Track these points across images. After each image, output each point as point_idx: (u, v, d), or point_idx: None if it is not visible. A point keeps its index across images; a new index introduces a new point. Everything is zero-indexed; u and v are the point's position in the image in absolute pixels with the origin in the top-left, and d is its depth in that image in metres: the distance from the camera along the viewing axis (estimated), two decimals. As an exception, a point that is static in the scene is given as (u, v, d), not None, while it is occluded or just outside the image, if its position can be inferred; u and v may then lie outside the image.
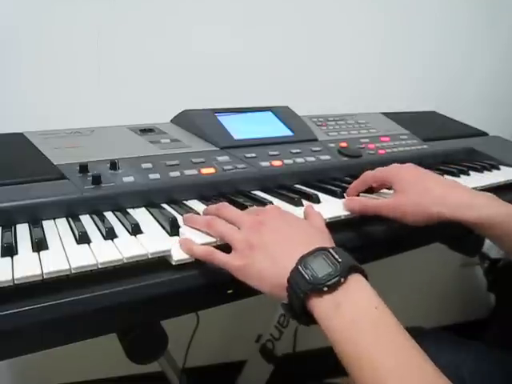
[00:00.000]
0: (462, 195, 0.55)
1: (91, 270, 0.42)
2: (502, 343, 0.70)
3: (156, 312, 0.46)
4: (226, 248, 0.46)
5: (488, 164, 0.85)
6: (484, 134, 1.08)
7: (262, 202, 0.60)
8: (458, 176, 0.78)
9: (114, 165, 0.61)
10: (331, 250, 0.41)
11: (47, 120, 0.83)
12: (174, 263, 0.45)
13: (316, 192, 0.65)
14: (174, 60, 1.04)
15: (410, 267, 1.38)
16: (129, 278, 0.42)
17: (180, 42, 1.04)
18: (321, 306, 0.38)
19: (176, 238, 0.49)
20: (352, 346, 0.36)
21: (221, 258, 0.45)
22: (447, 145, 0.94)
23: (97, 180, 0.56)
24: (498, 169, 0.85)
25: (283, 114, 0.87)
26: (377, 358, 0.35)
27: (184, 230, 0.49)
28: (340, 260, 0.39)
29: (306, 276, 0.39)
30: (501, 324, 1.44)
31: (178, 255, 0.45)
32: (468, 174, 0.80)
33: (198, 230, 0.50)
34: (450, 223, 0.53)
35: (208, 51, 1.06)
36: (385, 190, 0.64)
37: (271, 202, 0.59)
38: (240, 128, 0.79)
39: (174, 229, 0.50)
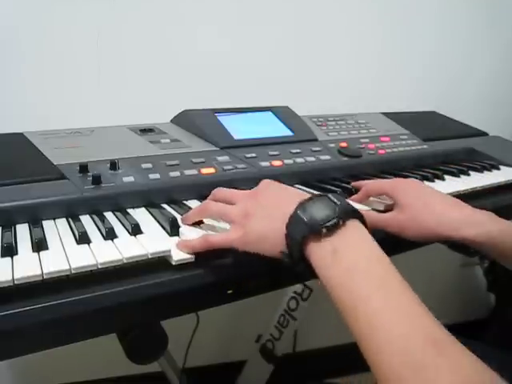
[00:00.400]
0: (461, 213, 0.54)
1: (91, 270, 0.42)
2: (502, 343, 0.70)
3: (156, 312, 0.46)
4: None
5: (488, 164, 0.85)
6: (484, 134, 1.08)
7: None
8: (458, 176, 0.78)
9: (113, 165, 0.61)
10: (330, 196, 0.41)
11: (47, 120, 0.83)
12: (173, 263, 0.45)
13: (316, 192, 0.65)
14: (174, 60, 1.04)
15: (410, 267, 1.37)
16: (129, 278, 0.42)
17: (180, 42, 1.05)
18: (318, 251, 0.38)
19: (176, 238, 0.49)
20: (347, 293, 0.36)
21: (218, 238, 0.44)
22: (447, 145, 0.94)
23: (97, 180, 0.56)
24: (498, 169, 0.85)
25: (283, 114, 0.87)
26: (372, 307, 0.34)
27: (184, 230, 0.49)
28: (338, 203, 0.39)
29: (305, 218, 0.39)
30: (501, 324, 1.44)
31: (178, 255, 0.45)
32: (468, 174, 0.80)
33: (197, 226, 0.50)
34: (449, 241, 0.53)
35: (208, 51, 1.06)
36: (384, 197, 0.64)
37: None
38: (240, 128, 0.79)
39: (174, 229, 0.50)
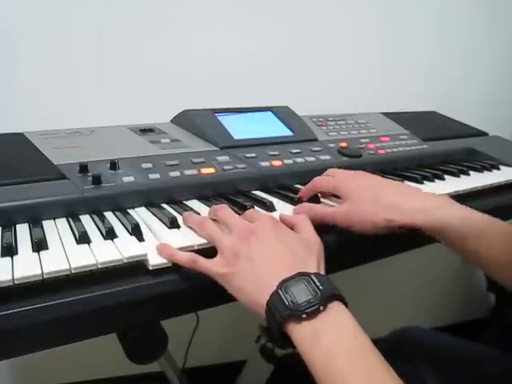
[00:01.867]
0: (413, 199, 0.53)
1: (91, 270, 0.42)
2: (502, 343, 0.70)
3: (156, 312, 0.46)
4: (208, 253, 0.45)
5: (488, 164, 0.85)
6: (484, 133, 1.08)
7: (262, 202, 0.60)
8: (458, 176, 0.78)
9: (114, 165, 0.61)
10: (313, 277, 0.40)
11: (47, 120, 0.83)
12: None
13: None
14: (174, 60, 1.04)
15: (410, 267, 1.38)
16: (129, 277, 0.42)
17: (180, 42, 1.04)
18: (299, 332, 0.38)
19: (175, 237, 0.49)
20: (330, 375, 0.36)
21: (205, 264, 0.44)
22: (447, 145, 0.94)
23: (97, 180, 0.56)
24: (498, 169, 0.85)
25: (283, 114, 0.87)
26: None
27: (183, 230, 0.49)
28: (321, 287, 0.39)
29: (286, 301, 0.38)
30: (501, 324, 1.44)
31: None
32: (468, 174, 0.80)
33: (191, 229, 0.50)
34: (403, 230, 0.51)
35: (208, 51, 1.06)
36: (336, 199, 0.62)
37: (271, 202, 0.59)
38: (240, 128, 0.79)
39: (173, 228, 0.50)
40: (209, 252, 0.46)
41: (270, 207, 0.58)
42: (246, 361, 1.13)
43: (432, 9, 1.30)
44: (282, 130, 0.83)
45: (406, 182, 0.72)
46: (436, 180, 0.75)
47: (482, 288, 1.52)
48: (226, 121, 0.80)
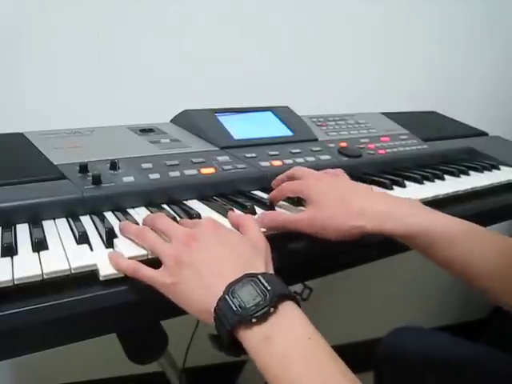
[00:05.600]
0: (382, 205, 0.50)
1: (91, 270, 0.42)
2: (502, 343, 0.70)
3: (158, 312, 0.46)
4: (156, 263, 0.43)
5: (488, 164, 0.85)
6: (484, 134, 1.08)
7: (262, 202, 0.60)
8: (458, 176, 0.78)
9: (114, 165, 0.61)
10: (260, 277, 0.38)
11: (47, 120, 0.83)
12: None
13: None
14: (174, 60, 1.04)
15: (410, 267, 1.38)
16: (129, 277, 0.42)
17: (180, 42, 1.04)
18: (250, 339, 0.36)
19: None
20: (283, 380, 0.34)
21: (148, 274, 0.41)
22: (447, 145, 0.94)
23: (97, 180, 0.56)
24: (498, 169, 0.85)
25: (283, 113, 0.87)
26: None
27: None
28: (269, 288, 0.37)
29: (234, 306, 0.36)
30: (501, 324, 1.44)
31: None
32: (468, 174, 0.80)
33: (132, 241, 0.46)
34: (371, 237, 0.49)
35: (208, 51, 1.06)
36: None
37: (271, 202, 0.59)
38: (240, 128, 0.79)
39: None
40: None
41: (269, 207, 0.58)
42: (246, 361, 1.13)
43: (432, 9, 1.30)
44: (282, 130, 0.83)
45: (406, 182, 0.72)
46: (436, 180, 0.75)
47: (482, 288, 1.52)
48: (226, 121, 0.80)
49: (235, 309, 0.36)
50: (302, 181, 0.56)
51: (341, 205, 0.50)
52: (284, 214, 0.54)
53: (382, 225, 0.48)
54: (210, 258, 0.41)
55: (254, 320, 0.36)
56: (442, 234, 0.47)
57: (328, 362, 0.35)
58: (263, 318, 0.36)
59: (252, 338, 0.36)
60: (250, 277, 0.38)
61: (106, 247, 0.46)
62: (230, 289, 0.37)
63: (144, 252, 0.44)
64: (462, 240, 0.48)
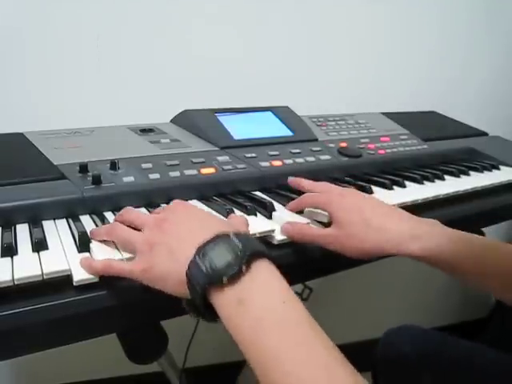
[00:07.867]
0: (401, 226, 0.50)
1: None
2: (502, 343, 0.70)
3: (158, 312, 0.46)
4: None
5: (488, 164, 0.85)
6: (484, 133, 1.08)
7: (262, 202, 0.60)
8: (458, 176, 0.78)
9: (114, 165, 0.61)
10: (232, 236, 0.36)
11: (47, 120, 0.83)
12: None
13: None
14: (174, 60, 1.04)
15: (410, 267, 1.38)
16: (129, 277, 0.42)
17: (180, 42, 1.05)
18: (222, 302, 0.34)
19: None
20: (257, 347, 0.32)
21: (121, 267, 0.40)
22: (447, 145, 0.94)
23: (97, 180, 0.56)
24: (498, 169, 0.85)
25: (283, 113, 0.87)
26: (284, 361, 0.31)
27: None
28: (241, 246, 0.35)
29: (203, 268, 0.34)
30: (501, 324, 1.44)
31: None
32: (468, 174, 0.80)
33: (107, 245, 0.45)
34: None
35: (208, 51, 1.06)
36: None
37: (271, 203, 0.59)
38: (240, 128, 0.79)
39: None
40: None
41: (269, 207, 0.58)
42: (246, 361, 1.13)
43: (432, 9, 1.30)
44: (282, 130, 0.83)
45: (406, 182, 0.72)
46: (436, 180, 0.75)
47: (482, 288, 1.52)
48: (226, 121, 0.80)
49: (205, 270, 0.34)
50: (324, 194, 0.56)
51: (361, 224, 0.50)
52: (312, 229, 0.53)
53: (403, 247, 0.48)
54: (181, 232, 0.40)
55: (225, 281, 0.34)
56: (466, 253, 0.48)
57: (303, 326, 0.33)
58: (235, 279, 0.34)
59: (224, 301, 0.34)
60: (222, 236, 0.37)
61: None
62: (201, 251, 0.36)
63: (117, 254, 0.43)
64: (488, 256, 0.49)
